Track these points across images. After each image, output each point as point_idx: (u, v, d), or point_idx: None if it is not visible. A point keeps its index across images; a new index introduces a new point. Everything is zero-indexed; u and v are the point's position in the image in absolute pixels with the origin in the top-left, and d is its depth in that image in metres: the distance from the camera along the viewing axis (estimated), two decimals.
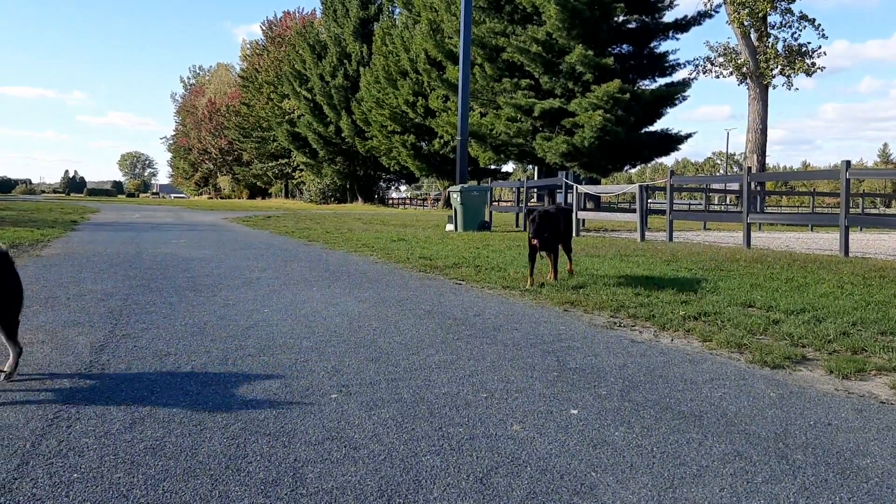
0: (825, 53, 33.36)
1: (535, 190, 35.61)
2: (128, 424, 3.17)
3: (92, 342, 4.73)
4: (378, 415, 3.40)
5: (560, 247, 8.31)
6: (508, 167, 51.70)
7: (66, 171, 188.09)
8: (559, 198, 23.19)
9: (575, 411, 3.51)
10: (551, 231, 7.73)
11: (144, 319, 5.61)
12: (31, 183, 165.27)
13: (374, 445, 3.01)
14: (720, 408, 3.62)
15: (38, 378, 3.87)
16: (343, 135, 53.67)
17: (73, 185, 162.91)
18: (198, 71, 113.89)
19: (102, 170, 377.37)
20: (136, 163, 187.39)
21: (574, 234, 17.87)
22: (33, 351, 4.46)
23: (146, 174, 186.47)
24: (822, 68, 32.83)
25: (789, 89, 33.97)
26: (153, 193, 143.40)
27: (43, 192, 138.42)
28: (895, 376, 4.23)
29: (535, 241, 7.58)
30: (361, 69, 51.42)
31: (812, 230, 24.91)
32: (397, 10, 50.37)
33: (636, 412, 3.51)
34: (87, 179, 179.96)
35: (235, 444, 2.97)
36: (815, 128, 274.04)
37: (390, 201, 67.01)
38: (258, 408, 3.45)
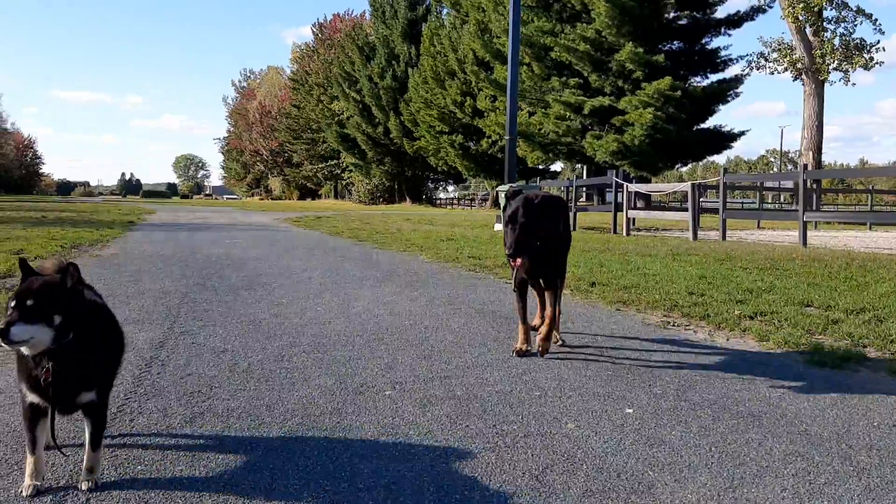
0: (883, 49, 32.36)
1: (585, 189, 35.34)
2: (188, 418, 3.25)
3: (151, 339, 4.85)
4: (432, 412, 3.42)
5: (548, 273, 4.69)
6: (557, 166, 51.35)
7: (123, 174, 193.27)
8: (608, 197, 22.97)
9: (630, 410, 3.47)
10: (545, 242, 4.34)
11: (201, 317, 5.73)
12: (89, 185, 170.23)
13: (429, 441, 3.03)
14: (779, 408, 3.54)
15: None
16: (391, 135, 53.99)
17: (129, 187, 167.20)
18: (248, 74, 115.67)
19: (157, 172, 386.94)
20: (189, 165, 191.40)
21: (625, 234, 17.67)
22: None
23: (199, 176, 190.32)
24: (880, 63, 31.87)
25: (846, 85, 33.06)
26: (206, 195, 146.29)
27: (101, 194, 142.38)
28: None
29: (515, 263, 4.31)
30: (409, 70, 51.69)
31: (871, 229, 24.19)
32: (445, 11, 50.44)
33: (693, 412, 3.46)
34: (142, 181, 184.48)
35: (293, 438, 3.02)
36: (873, 124, 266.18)
37: (438, 201, 67.16)
38: (314, 404, 3.50)
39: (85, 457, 2.53)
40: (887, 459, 2.87)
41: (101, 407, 2.59)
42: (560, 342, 4.87)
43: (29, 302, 2.32)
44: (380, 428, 3.17)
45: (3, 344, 2.25)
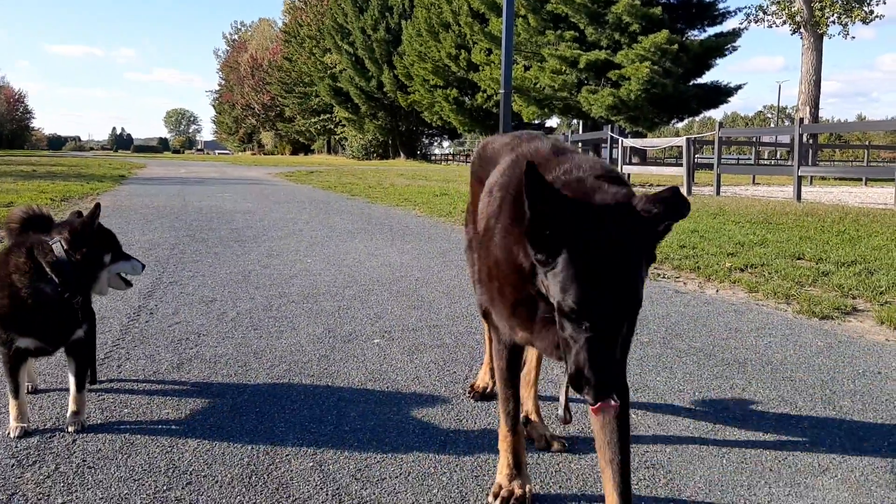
0: (884, 1, 31.99)
1: (580, 144, 35.16)
2: (175, 365, 3.25)
3: (140, 289, 4.83)
4: (420, 359, 3.43)
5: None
6: (552, 122, 50.97)
7: (114, 128, 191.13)
8: (604, 152, 22.88)
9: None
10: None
11: (190, 268, 5.71)
12: (80, 140, 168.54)
13: (416, 387, 3.04)
14: (765, 356, 3.56)
15: None
16: (385, 89, 53.41)
17: (121, 141, 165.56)
18: (239, 27, 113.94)
19: (148, 126, 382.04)
20: (181, 119, 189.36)
21: None
22: None
23: (191, 131, 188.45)
24: (880, 16, 31.55)
25: (845, 38, 32.74)
26: (198, 150, 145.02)
27: (91, 148, 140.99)
28: None
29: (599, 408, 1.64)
30: (403, 22, 50.88)
31: (866, 184, 24.18)
32: None
33: (678, 359, 3.48)
34: (133, 136, 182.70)
35: (280, 384, 3.03)
36: (872, 80, 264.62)
37: (433, 157, 66.79)
38: (302, 351, 3.50)
39: (70, 400, 2.54)
40: (870, 405, 2.90)
41: (89, 345, 2.71)
42: None
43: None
44: (367, 374, 3.18)
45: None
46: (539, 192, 1.51)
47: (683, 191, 15.20)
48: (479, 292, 1.94)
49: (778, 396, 2.98)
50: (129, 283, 2.82)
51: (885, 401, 2.95)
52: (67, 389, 2.58)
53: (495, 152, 2.33)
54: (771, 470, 2.30)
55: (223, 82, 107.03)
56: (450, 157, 68.31)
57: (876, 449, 2.48)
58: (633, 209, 1.56)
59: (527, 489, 2.05)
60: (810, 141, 24.00)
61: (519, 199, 1.74)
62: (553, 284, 1.54)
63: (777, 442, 2.53)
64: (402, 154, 59.85)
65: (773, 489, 2.17)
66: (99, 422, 2.57)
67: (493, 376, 2.52)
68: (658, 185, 18.65)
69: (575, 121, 39.47)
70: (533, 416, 2.51)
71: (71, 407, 2.53)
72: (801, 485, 2.20)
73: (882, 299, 4.81)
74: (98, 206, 2.59)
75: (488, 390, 2.83)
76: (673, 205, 1.54)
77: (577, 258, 1.51)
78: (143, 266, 2.82)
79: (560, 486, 2.17)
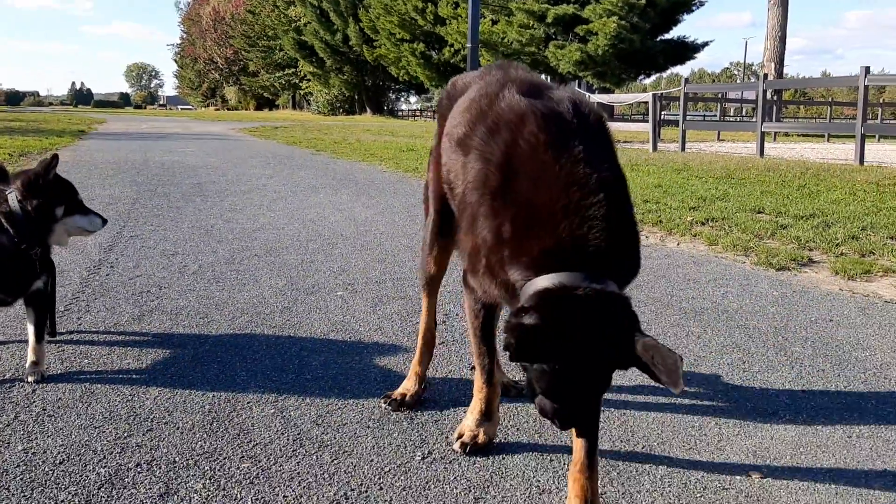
0: None
1: None
2: (136, 316, 3.23)
3: (100, 243, 4.77)
4: (383, 310, 3.45)
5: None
6: None
7: (73, 84, 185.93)
8: None
9: None
10: None
11: (152, 222, 5.64)
12: (38, 95, 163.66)
13: (379, 337, 3.06)
14: (721, 305, 3.64)
15: None
16: (350, 43, 52.53)
17: (80, 97, 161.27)
18: None
19: (109, 81, 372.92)
20: (142, 74, 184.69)
21: None
22: None
23: (153, 86, 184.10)
24: None
25: None
26: (160, 105, 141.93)
27: (51, 104, 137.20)
28: None
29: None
30: None
31: (828, 140, 24.52)
32: None
33: (637, 308, 3.52)
34: (94, 91, 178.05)
35: (242, 335, 3.03)
36: (837, 37, 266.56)
37: (400, 113, 66.16)
38: (264, 303, 3.50)
39: (30, 350, 2.52)
40: (820, 350, 2.99)
41: (48, 297, 2.71)
42: None
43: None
44: (330, 325, 3.20)
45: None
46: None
47: (649, 147, 15.31)
48: (466, 259, 1.90)
49: (732, 343, 3.06)
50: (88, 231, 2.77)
51: (835, 346, 3.04)
52: (26, 341, 2.56)
53: (464, 87, 2.25)
54: (722, 411, 2.38)
55: (185, 36, 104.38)
56: (417, 113, 67.68)
57: (824, 391, 2.57)
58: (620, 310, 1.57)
59: (492, 436, 2.10)
60: (775, 97, 24.21)
61: (502, 174, 1.73)
62: (535, 373, 1.57)
63: (728, 385, 2.60)
64: (368, 110, 59.18)
65: (722, 429, 2.24)
66: (59, 372, 2.56)
67: (418, 383, 2.38)
68: (625, 142, 18.74)
69: (542, 76, 39.20)
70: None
71: (30, 357, 2.51)
72: (750, 425, 2.28)
73: (837, 251, 4.92)
74: (55, 156, 2.55)
75: (407, 398, 2.37)
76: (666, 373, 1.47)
77: (559, 371, 1.53)
78: (104, 221, 2.75)
79: (518, 430, 2.22)
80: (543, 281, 1.58)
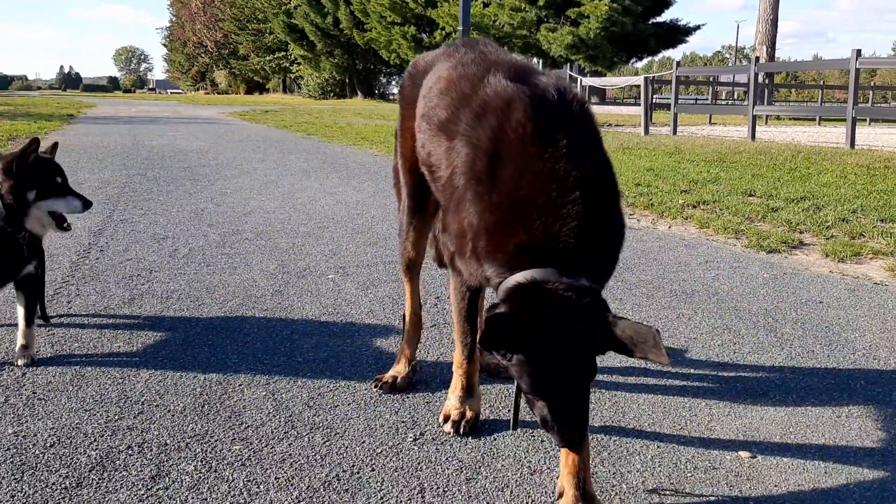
0: None
1: None
2: (126, 300, 3.22)
3: (91, 226, 4.74)
4: (374, 293, 3.45)
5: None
6: None
7: (62, 67, 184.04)
8: None
9: None
10: None
11: (142, 206, 5.61)
12: (26, 79, 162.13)
13: (370, 320, 3.06)
14: (712, 287, 3.65)
15: None
16: (341, 26, 52.18)
17: (69, 81, 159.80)
18: None
19: (98, 65, 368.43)
20: (131, 58, 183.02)
21: None
22: None
23: (142, 69, 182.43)
24: None
25: None
26: (150, 89, 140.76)
27: (39, 88, 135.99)
28: (892, 260, 4.25)
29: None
30: None
31: (819, 124, 24.54)
32: None
33: (628, 291, 3.55)
34: (82, 75, 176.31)
35: (233, 318, 3.02)
36: (829, 19, 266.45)
37: (391, 97, 65.84)
38: (255, 286, 3.49)
39: (19, 334, 2.51)
40: (810, 332, 3.00)
41: (39, 281, 2.70)
42: None
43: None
44: (321, 308, 3.19)
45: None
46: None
47: (641, 130, 15.29)
48: (449, 241, 1.89)
49: (723, 325, 3.07)
50: (63, 226, 2.60)
51: (825, 328, 3.06)
52: (16, 325, 2.55)
53: (428, 66, 2.23)
54: (712, 392, 2.39)
55: (174, 19, 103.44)
56: None
57: (813, 372, 2.58)
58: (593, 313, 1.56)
59: (477, 411, 2.11)
60: (766, 81, 24.20)
61: (489, 160, 1.73)
62: (514, 368, 1.59)
63: (719, 366, 2.62)
64: (359, 93, 58.89)
65: (713, 410, 2.25)
66: (49, 356, 2.55)
67: (407, 365, 2.37)
68: (617, 125, 18.72)
69: (535, 60, 39.13)
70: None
71: (20, 341, 2.50)
72: (740, 406, 2.29)
73: (828, 233, 4.94)
74: (35, 140, 2.50)
75: (398, 380, 2.36)
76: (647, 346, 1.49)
77: (534, 360, 1.55)
78: (87, 204, 2.60)
79: (510, 412, 2.22)
80: (517, 278, 1.61)
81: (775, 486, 1.83)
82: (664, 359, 1.46)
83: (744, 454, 1.98)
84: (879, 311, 3.31)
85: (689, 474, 1.87)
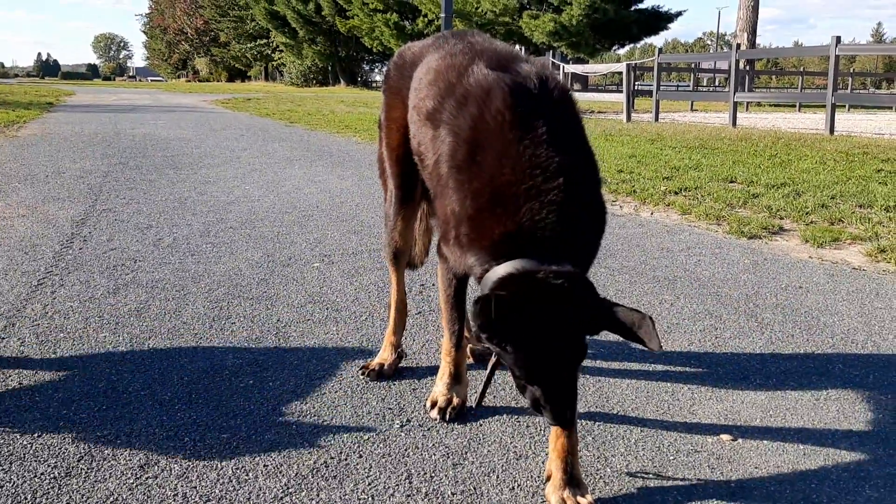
0: None
1: None
2: (111, 290, 3.21)
3: (73, 216, 4.72)
4: (359, 281, 3.46)
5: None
6: None
7: (39, 54, 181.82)
8: None
9: None
10: None
11: (124, 195, 5.58)
12: (3, 66, 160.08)
13: (356, 308, 3.07)
14: (694, 273, 3.69)
15: (20, 249, 3.87)
16: (323, 13, 51.81)
17: (47, 68, 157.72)
18: None
19: (76, 52, 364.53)
20: (110, 45, 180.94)
21: None
22: (14, 224, 4.45)
23: (122, 57, 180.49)
24: None
25: None
26: (130, 77, 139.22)
27: (16, 75, 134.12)
28: (870, 245, 4.31)
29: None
30: None
31: (800, 110, 24.72)
32: None
33: (611, 277, 3.58)
34: (60, 62, 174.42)
35: (219, 307, 3.02)
36: (810, 5, 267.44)
37: (374, 84, 65.53)
38: (241, 275, 3.49)
39: None
40: (790, 317, 3.05)
41: None
42: None
43: None
44: (307, 296, 3.20)
45: None
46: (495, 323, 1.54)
47: (623, 117, 15.34)
48: (440, 228, 1.91)
49: (704, 310, 3.11)
50: None
51: (805, 312, 3.11)
52: None
53: (416, 57, 2.24)
54: (694, 377, 2.43)
55: (154, 5, 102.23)
56: None
57: (793, 356, 2.63)
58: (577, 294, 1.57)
59: (464, 398, 2.14)
60: (747, 67, 24.32)
61: (469, 147, 1.75)
62: (508, 356, 1.60)
63: (701, 352, 2.66)
64: (342, 81, 58.55)
65: (695, 394, 2.29)
66: (34, 347, 2.54)
67: (393, 352, 2.39)
68: (599, 112, 18.77)
69: (517, 47, 38.98)
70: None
71: None
72: (721, 390, 2.33)
73: (808, 219, 5.00)
74: None
75: (385, 367, 2.38)
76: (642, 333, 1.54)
77: (530, 347, 1.56)
78: None
79: (495, 398, 2.25)
80: (504, 269, 1.62)
81: (756, 467, 1.87)
82: (656, 344, 1.50)
83: (725, 437, 2.02)
84: (857, 295, 3.37)
85: (671, 457, 1.91)
